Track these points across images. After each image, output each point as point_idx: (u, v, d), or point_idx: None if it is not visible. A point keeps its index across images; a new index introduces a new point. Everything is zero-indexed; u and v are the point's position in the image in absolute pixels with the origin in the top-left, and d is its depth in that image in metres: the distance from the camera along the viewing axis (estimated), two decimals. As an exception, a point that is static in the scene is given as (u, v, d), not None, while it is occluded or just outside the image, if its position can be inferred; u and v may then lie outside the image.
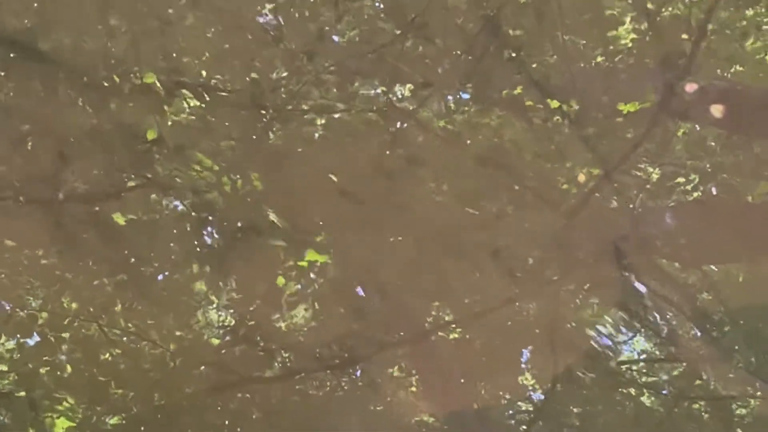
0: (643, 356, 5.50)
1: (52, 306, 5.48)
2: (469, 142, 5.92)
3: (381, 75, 5.62)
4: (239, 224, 5.14)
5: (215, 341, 5.77)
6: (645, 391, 5.22)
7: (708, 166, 5.95)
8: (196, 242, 5.36)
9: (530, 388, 5.86)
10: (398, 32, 5.40)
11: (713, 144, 6.09)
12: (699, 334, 5.44)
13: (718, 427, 5.01)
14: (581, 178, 5.83)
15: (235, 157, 5.13)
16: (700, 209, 5.79)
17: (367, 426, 5.28)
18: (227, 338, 5.66)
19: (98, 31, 4.67)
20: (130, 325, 5.40)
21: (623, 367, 5.44)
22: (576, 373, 5.23)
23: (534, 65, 5.85)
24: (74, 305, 5.46)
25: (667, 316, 5.51)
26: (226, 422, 5.15)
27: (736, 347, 5.14)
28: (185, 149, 4.81)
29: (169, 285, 5.57)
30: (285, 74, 5.59)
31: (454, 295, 5.63)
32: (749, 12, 5.97)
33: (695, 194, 5.92)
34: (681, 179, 5.92)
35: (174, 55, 5.19)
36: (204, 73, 5.56)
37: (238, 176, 5.03)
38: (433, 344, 5.80)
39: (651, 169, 5.98)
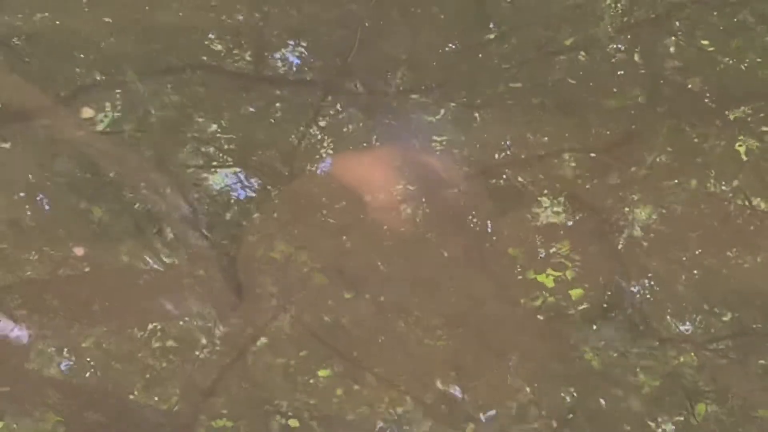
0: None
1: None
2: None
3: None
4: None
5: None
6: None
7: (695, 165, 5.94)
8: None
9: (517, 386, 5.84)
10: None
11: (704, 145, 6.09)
12: (681, 327, 5.45)
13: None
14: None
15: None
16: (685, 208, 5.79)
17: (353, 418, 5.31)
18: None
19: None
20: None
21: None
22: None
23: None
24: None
25: (644, 308, 5.52)
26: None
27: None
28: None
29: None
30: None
31: (437, 293, 5.64)
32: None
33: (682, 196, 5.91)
34: (669, 181, 5.92)
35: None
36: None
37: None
38: (418, 342, 5.79)
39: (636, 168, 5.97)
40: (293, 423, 5.49)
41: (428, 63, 5.67)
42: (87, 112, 5.56)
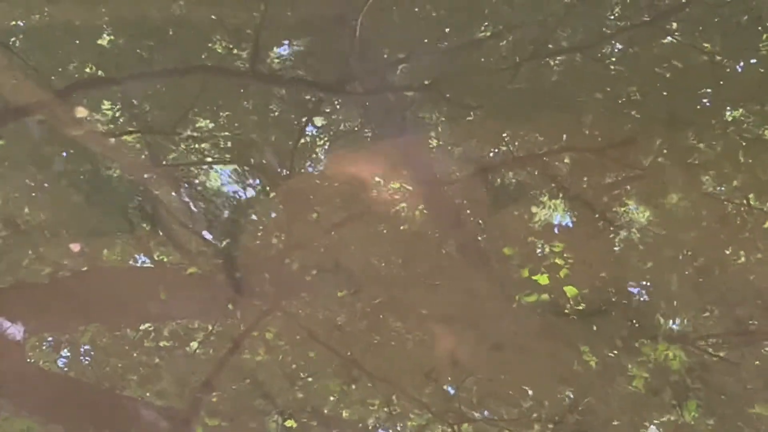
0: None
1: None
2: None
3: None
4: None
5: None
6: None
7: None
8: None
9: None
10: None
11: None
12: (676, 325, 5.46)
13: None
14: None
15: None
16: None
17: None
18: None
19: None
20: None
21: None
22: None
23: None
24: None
25: (639, 307, 5.54)
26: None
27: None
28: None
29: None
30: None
31: (433, 291, 5.64)
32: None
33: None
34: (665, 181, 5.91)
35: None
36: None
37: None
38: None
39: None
40: (289, 423, 5.50)
41: (425, 61, 5.67)
42: (81, 111, 5.56)
